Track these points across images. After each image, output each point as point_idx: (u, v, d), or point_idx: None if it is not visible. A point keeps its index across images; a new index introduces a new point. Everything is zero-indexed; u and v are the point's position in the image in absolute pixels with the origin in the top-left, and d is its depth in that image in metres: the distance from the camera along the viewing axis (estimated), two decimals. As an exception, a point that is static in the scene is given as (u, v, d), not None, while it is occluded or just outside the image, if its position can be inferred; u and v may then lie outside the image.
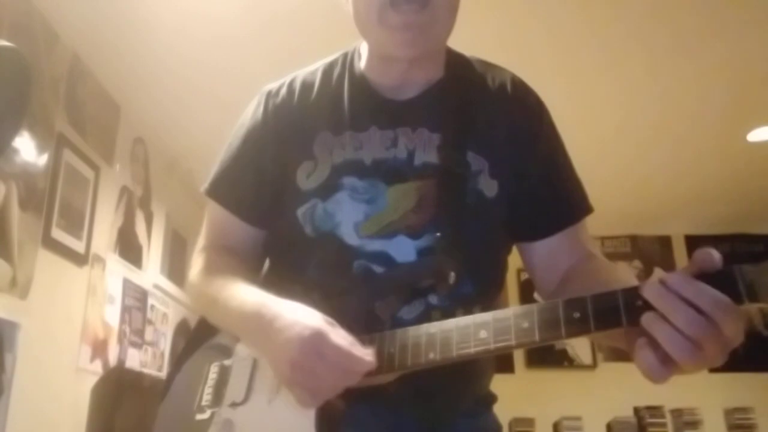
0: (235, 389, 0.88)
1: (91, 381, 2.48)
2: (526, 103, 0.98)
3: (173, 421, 0.96)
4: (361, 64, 0.99)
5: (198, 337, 1.01)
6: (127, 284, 2.93)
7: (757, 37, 2.56)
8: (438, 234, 0.86)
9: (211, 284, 0.94)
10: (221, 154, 1.03)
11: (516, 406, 3.95)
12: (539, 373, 4.40)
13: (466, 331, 0.71)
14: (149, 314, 3.20)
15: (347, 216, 0.89)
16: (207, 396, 0.91)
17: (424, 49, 0.90)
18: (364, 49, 1.00)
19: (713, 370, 4.53)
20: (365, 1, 0.88)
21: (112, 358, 2.74)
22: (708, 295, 0.59)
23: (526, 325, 0.68)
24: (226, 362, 0.92)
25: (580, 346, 4.54)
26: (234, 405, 0.86)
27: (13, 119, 1.72)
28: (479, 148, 0.91)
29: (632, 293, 0.63)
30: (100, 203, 2.67)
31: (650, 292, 0.61)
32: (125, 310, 2.89)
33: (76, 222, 2.47)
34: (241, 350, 0.91)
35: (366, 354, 0.74)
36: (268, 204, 0.97)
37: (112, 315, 2.77)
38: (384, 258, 0.87)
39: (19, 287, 2.06)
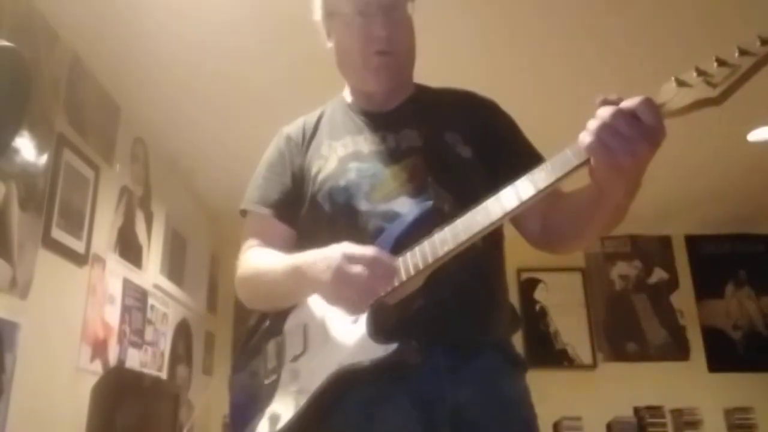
0: (293, 348, 1.06)
1: (91, 381, 2.48)
2: (483, 100, 1.27)
3: (248, 395, 1.11)
4: (348, 100, 1.29)
5: (251, 332, 1.19)
6: (127, 284, 2.94)
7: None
8: (430, 178, 1.09)
9: (257, 270, 1.14)
10: (252, 181, 1.27)
11: (516, 406, 3.94)
12: (539, 373, 4.36)
13: (468, 220, 0.93)
14: (149, 314, 3.20)
15: (357, 188, 1.11)
16: (270, 364, 1.09)
17: (396, 83, 1.22)
18: (346, 93, 1.30)
19: (713, 370, 4.51)
20: (354, 49, 1.18)
21: (112, 358, 2.74)
22: (627, 104, 0.83)
23: (515, 203, 0.89)
24: (279, 338, 1.11)
25: (580, 346, 4.54)
26: (295, 358, 1.05)
27: (13, 119, 1.72)
28: (452, 128, 1.17)
29: (576, 147, 0.86)
30: (100, 203, 2.67)
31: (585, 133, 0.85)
32: (125, 310, 2.89)
33: (76, 222, 2.47)
34: (290, 325, 1.10)
35: (389, 257, 0.95)
36: (298, 204, 1.19)
37: (112, 315, 2.77)
38: (392, 214, 1.06)
39: (19, 287, 2.06)
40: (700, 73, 0.80)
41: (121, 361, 2.82)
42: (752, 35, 0.77)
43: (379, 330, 0.95)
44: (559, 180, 0.86)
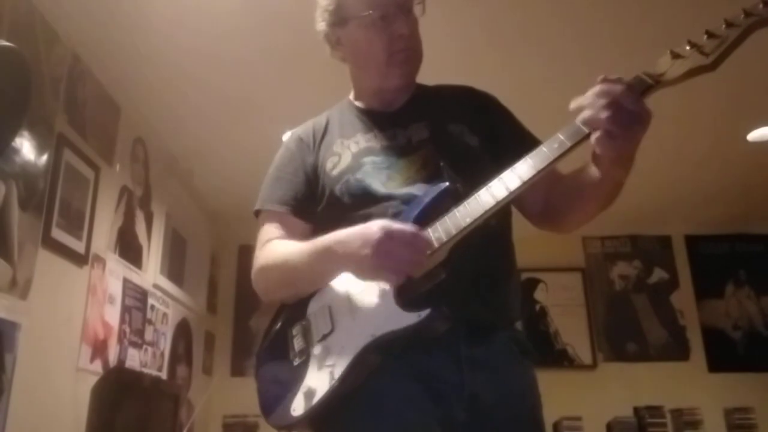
0: (320, 328, 1.08)
1: (91, 381, 2.48)
2: (481, 93, 1.32)
3: (276, 378, 1.12)
4: (355, 102, 1.32)
5: (272, 323, 1.21)
6: (127, 284, 2.94)
7: (756, 37, 2.56)
8: (442, 163, 1.12)
9: (282, 257, 1.16)
10: (265, 183, 1.29)
11: (516, 406, 3.94)
12: (539, 373, 4.38)
13: (486, 192, 0.99)
14: (149, 314, 3.20)
15: (374, 179, 1.15)
16: (298, 346, 1.10)
17: (413, 78, 1.29)
18: (352, 97, 1.34)
19: (713, 370, 4.51)
20: (378, 48, 1.21)
21: (112, 358, 2.74)
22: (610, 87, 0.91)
23: (526, 169, 0.97)
24: (303, 322, 1.12)
25: (580, 346, 4.54)
26: (324, 337, 1.07)
27: (13, 119, 1.72)
28: (456, 120, 1.22)
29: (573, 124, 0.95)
30: (100, 203, 2.67)
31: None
32: (125, 310, 2.89)
33: (76, 222, 2.47)
34: (313, 309, 1.12)
35: (424, 233, 0.99)
36: (313, 200, 1.22)
37: (112, 315, 2.77)
38: (410, 197, 1.10)
39: (19, 287, 2.06)
40: (693, 45, 0.89)
41: (121, 361, 2.82)
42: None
43: (408, 301, 1.00)
44: (570, 149, 0.95)
